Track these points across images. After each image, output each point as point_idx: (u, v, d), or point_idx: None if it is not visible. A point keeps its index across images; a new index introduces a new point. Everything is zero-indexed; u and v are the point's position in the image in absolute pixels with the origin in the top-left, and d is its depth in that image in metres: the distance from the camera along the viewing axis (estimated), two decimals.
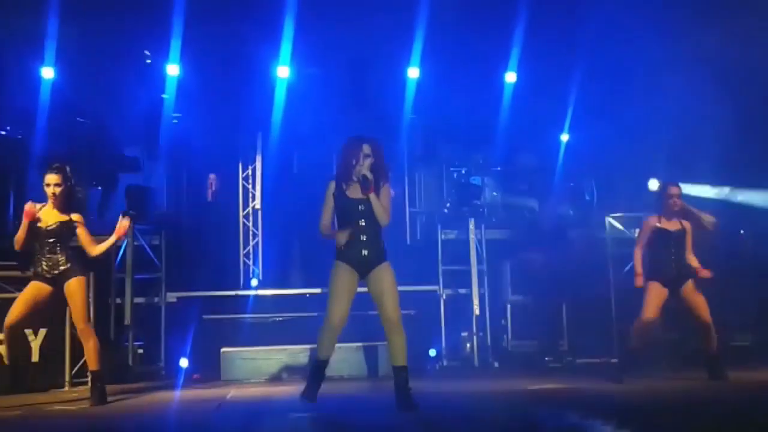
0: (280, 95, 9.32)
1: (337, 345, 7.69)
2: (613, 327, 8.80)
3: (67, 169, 5.80)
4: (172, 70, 9.02)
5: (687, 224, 6.64)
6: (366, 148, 4.91)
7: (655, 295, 6.50)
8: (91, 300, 7.40)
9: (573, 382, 6.57)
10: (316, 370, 5.13)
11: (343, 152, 4.99)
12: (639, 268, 6.56)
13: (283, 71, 9.20)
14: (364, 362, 7.95)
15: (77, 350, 7.29)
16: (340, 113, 9.57)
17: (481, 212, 9.38)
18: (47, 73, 8.63)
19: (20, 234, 5.67)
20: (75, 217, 5.82)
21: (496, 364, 8.42)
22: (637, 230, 6.73)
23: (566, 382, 6.57)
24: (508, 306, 8.98)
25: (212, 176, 9.96)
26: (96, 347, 5.86)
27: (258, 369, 7.87)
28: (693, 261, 6.61)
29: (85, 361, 7.32)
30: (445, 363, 8.51)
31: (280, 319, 7.78)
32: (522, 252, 8.86)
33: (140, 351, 8.30)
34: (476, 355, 8.56)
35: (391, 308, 4.95)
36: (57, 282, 5.74)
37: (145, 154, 9.52)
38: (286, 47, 8.98)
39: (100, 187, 9.42)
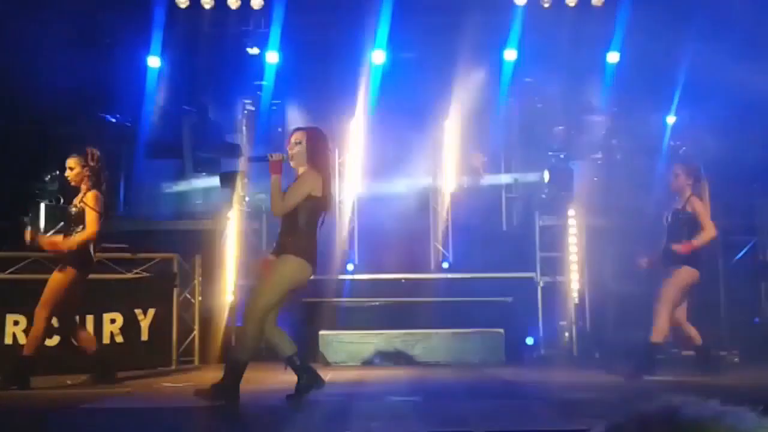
0: (375, 81, 9.34)
1: (433, 331, 7.81)
2: (721, 317, 8.40)
3: (89, 153, 5.84)
4: (272, 57, 9.18)
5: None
6: (297, 136, 4.90)
7: None
8: None
9: (681, 375, 6.32)
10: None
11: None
12: None
13: (378, 56, 9.21)
14: (458, 349, 7.90)
15: (183, 331, 7.60)
16: (436, 99, 9.52)
17: (581, 197, 9.11)
18: (153, 62, 8.94)
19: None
20: (86, 199, 5.80)
21: (597, 355, 8.19)
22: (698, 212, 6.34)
23: (674, 374, 6.32)
24: (610, 295, 8.71)
25: None
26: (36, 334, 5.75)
27: (354, 352, 7.95)
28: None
29: (191, 341, 7.64)
30: (542, 352, 8.35)
31: (376, 303, 7.82)
32: (624, 239, 8.56)
33: None
34: (575, 344, 8.35)
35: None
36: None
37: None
38: (382, 33, 8.99)
39: (204, 173, 9.71)
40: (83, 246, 5.70)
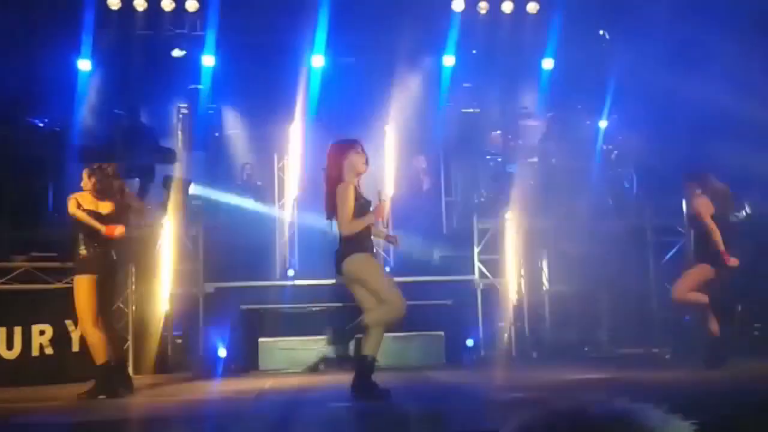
0: (314, 85, 9.30)
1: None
2: (654, 316, 8.63)
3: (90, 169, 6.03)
4: (208, 60, 9.05)
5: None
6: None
7: None
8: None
9: (615, 372, 6.47)
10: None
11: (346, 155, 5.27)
12: None
13: (317, 61, 9.18)
14: (399, 352, 7.92)
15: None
16: (376, 103, 9.55)
17: (518, 200, 9.25)
18: (84, 65, 8.71)
19: None
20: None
21: (535, 355, 8.32)
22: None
23: (608, 372, 6.47)
24: (546, 296, 8.86)
25: (248, 165, 9.94)
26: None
27: (295, 359, 7.87)
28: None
29: (124, 351, 7.43)
30: (482, 353, 8.42)
31: (317, 309, 7.75)
32: (560, 241, 8.72)
33: (179, 341, 8.35)
34: (514, 345, 8.46)
35: None
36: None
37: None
38: (321, 37, 8.97)
39: (137, 178, 9.47)
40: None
